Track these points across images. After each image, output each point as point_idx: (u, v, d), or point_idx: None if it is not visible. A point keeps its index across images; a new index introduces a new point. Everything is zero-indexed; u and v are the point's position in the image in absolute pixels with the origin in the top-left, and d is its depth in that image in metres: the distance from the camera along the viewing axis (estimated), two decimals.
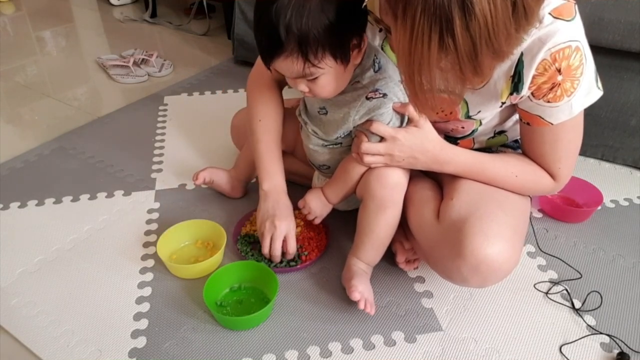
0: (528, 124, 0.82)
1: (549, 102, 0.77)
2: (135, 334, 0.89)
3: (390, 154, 0.85)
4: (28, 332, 0.90)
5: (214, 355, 0.86)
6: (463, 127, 0.90)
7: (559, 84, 0.74)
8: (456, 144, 0.98)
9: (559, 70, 0.73)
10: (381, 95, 0.84)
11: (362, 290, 0.89)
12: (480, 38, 0.55)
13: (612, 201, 1.22)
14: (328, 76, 0.80)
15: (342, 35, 0.76)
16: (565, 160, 0.84)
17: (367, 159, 0.87)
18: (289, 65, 0.77)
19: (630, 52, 1.17)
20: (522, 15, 0.56)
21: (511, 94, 0.79)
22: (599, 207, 1.16)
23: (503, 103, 0.82)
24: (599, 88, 0.79)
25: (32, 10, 2.59)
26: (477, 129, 0.90)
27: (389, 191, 0.89)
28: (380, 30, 0.88)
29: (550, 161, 0.84)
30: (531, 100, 0.78)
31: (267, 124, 1.00)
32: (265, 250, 0.97)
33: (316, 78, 0.80)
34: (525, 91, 0.77)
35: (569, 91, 0.75)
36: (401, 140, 0.84)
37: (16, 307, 0.95)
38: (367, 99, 0.85)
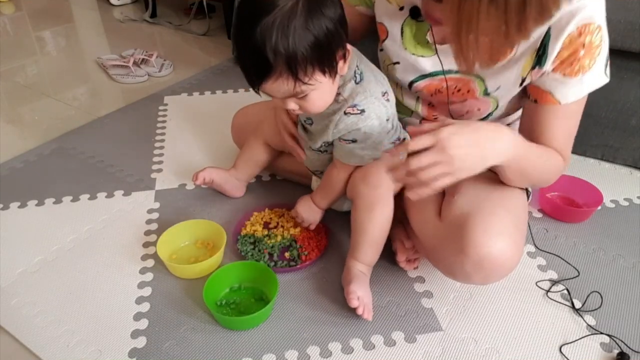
0: (535, 101, 0.82)
1: (564, 75, 0.77)
2: (135, 334, 0.89)
3: (446, 157, 0.68)
4: (28, 332, 0.90)
5: (214, 355, 0.86)
6: (479, 109, 0.89)
7: (579, 59, 0.75)
8: None
9: (582, 45, 0.74)
10: (359, 111, 0.85)
11: (361, 295, 0.89)
12: None
13: (612, 201, 1.22)
14: (318, 91, 0.79)
15: (329, 49, 0.75)
16: (568, 141, 0.85)
17: (425, 175, 0.69)
18: (279, 86, 0.75)
19: (630, 52, 1.17)
20: None
21: (533, 68, 0.79)
22: (599, 207, 1.16)
23: (523, 80, 0.81)
24: (606, 75, 0.79)
25: (32, 10, 2.59)
26: (492, 113, 0.90)
27: (374, 189, 0.90)
28: (401, 9, 0.87)
29: (554, 138, 0.83)
30: (549, 75, 0.78)
31: None
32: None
33: (306, 95, 0.78)
34: (549, 66, 0.77)
35: (585, 68, 0.76)
36: (447, 133, 0.67)
37: (16, 307, 0.95)
38: (345, 114, 0.85)
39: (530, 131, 0.85)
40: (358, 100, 0.84)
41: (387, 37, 0.91)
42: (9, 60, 2.01)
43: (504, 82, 0.83)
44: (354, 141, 0.89)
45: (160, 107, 1.64)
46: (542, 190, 1.18)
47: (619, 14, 1.13)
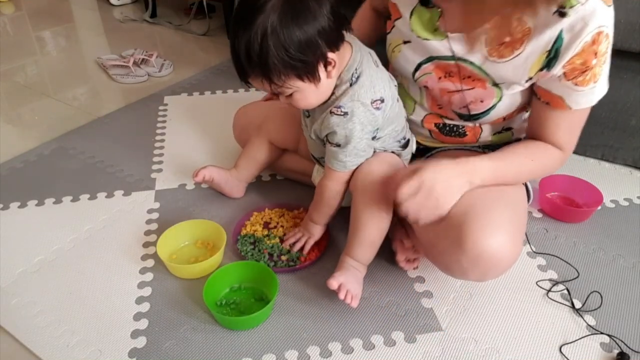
0: (547, 103, 0.84)
1: (577, 85, 0.79)
2: (135, 334, 0.90)
3: (411, 218, 0.81)
4: (28, 332, 0.90)
5: (214, 355, 0.86)
6: (482, 101, 0.89)
7: (592, 68, 0.77)
8: (464, 133, 0.98)
9: (595, 53, 0.76)
10: (342, 113, 0.86)
11: (343, 281, 0.89)
12: None
13: (612, 201, 1.22)
14: (300, 93, 0.84)
15: (302, 60, 0.79)
16: (573, 137, 0.88)
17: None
18: (258, 85, 0.83)
19: (630, 52, 1.17)
20: None
21: (541, 69, 0.80)
22: (599, 207, 1.16)
23: (529, 79, 0.83)
24: (607, 83, 0.82)
25: (32, 10, 2.59)
26: (495, 106, 0.89)
27: (379, 187, 0.89)
28: None
29: (561, 137, 0.86)
30: (560, 80, 0.80)
31: None
32: None
33: (290, 95, 0.84)
34: (558, 70, 0.79)
35: (596, 76, 0.78)
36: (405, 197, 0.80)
37: (16, 307, 0.95)
38: (330, 113, 0.87)
39: (537, 128, 0.88)
40: (343, 102, 0.86)
41: (400, 17, 0.92)
42: (9, 60, 2.01)
43: (510, 78, 0.84)
44: (337, 145, 0.89)
45: (160, 107, 1.64)
46: (542, 190, 1.18)
47: (619, 14, 1.11)
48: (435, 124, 1.01)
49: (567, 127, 0.85)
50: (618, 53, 1.17)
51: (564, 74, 0.79)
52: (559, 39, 0.76)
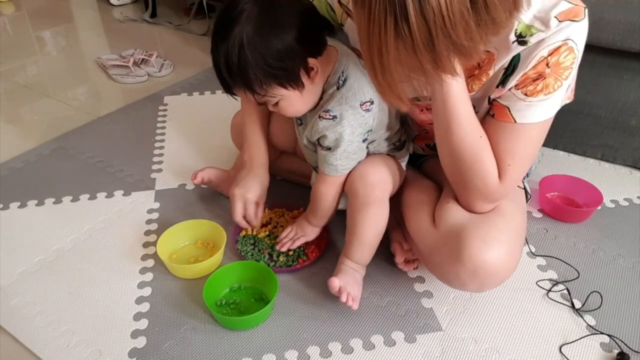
0: (493, 115, 0.79)
1: (526, 94, 0.74)
2: (135, 334, 0.89)
3: None
4: (28, 332, 0.90)
5: (214, 355, 0.86)
6: None
7: (544, 77, 0.73)
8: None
9: (547, 64, 0.72)
10: (331, 117, 0.86)
11: (342, 284, 0.89)
12: (436, 25, 0.53)
13: (612, 201, 1.22)
14: (286, 101, 0.84)
15: (283, 68, 0.78)
16: (517, 164, 0.79)
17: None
18: (243, 96, 0.83)
19: (630, 52, 1.17)
20: (481, 7, 0.54)
21: (497, 86, 0.77)
22: (599, 207, 1.16)
23: (489, 97, 0.80)
24: (562, 102, 0.78)
25: (32, 10, 2.59)
26: None
27: (371, 189, 0.89)
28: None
29: (502, 158, 0.79)
30: (510, 90, 0.76)
31: (253, 114, 1.06)
32: (235, 217, 1.02)
33: (276, 103, 0.84)
34: (512, 84, 0.75)
35: (549, 89, 0.73)
36: None
37: (16, 307, 0.95)
38: (319, 117, 0.87)
39: None
40: (331, 106, 0.86)
41: None
42: (9, 60, 2.01)
43: (477, 104, 0.82)
44: (328, 149, 0.89)
45: (160, 107, 1.64)
46: (542, 190, 1.18)
47: (619, 14, 1.13)
48: (427, 144, 1.01)
49: (509, 146, 0.77)
50: (618, 53, 1.18)
51: (515, 85, 0.75)
52: (517, 55, 0.74)
